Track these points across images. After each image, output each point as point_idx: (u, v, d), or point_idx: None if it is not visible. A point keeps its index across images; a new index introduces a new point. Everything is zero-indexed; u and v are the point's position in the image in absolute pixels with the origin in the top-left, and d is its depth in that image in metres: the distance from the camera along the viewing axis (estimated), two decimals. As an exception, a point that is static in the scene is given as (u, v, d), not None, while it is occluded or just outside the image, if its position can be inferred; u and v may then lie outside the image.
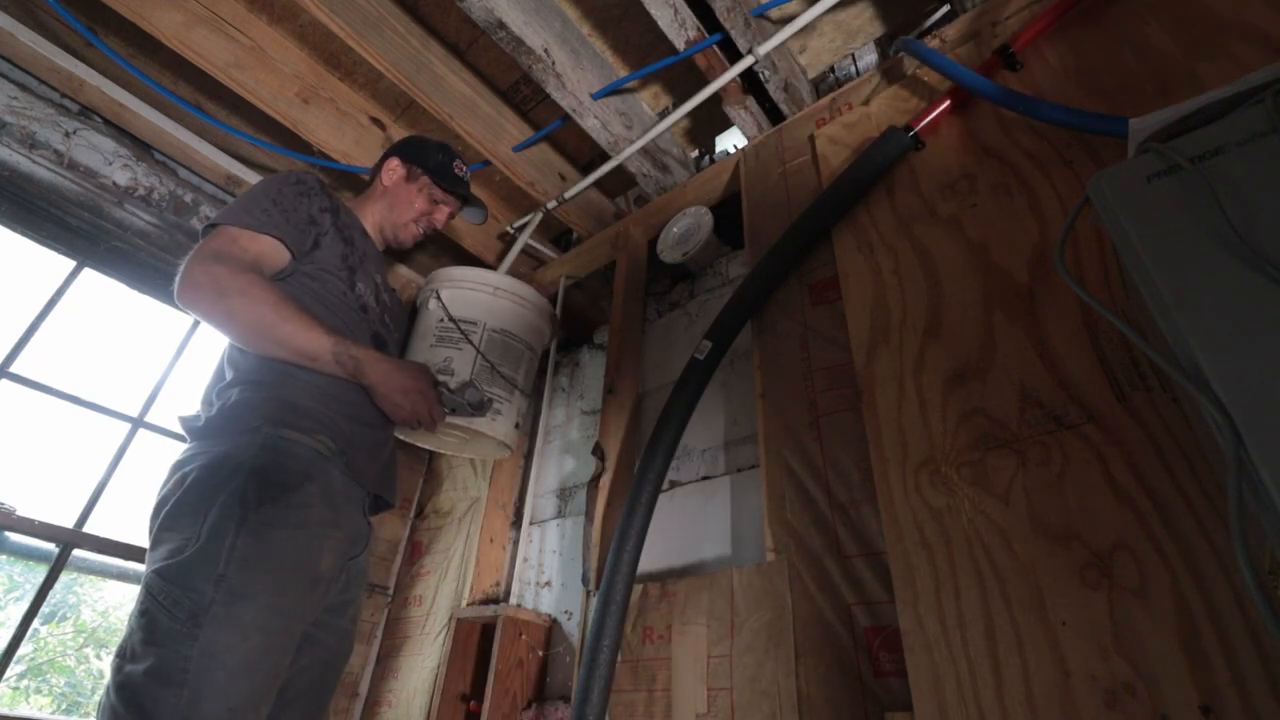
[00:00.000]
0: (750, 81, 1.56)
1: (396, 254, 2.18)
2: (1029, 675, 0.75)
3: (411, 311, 1.58)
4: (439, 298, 1.48)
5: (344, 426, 1.07)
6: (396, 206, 1.40)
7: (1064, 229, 0.81)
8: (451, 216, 1.51)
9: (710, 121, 1.81)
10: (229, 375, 1.08)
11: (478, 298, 1.51)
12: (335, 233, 1.22)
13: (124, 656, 0.85)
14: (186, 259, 1.04)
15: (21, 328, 1.74)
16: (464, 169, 1.50)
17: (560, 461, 1.83)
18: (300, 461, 0.98)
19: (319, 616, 1.04)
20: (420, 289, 1.61)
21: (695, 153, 1.91)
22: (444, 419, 1.27)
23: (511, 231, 2.05)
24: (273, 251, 1.09)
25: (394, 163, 1.42)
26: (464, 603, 1.62)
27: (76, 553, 1.66)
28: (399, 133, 1.90)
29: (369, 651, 1.86)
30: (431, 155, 1.45)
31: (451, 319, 1.45)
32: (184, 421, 1.07)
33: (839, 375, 1.16)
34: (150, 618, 0.85)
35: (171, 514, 0.92)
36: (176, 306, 1.09)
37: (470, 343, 1.43)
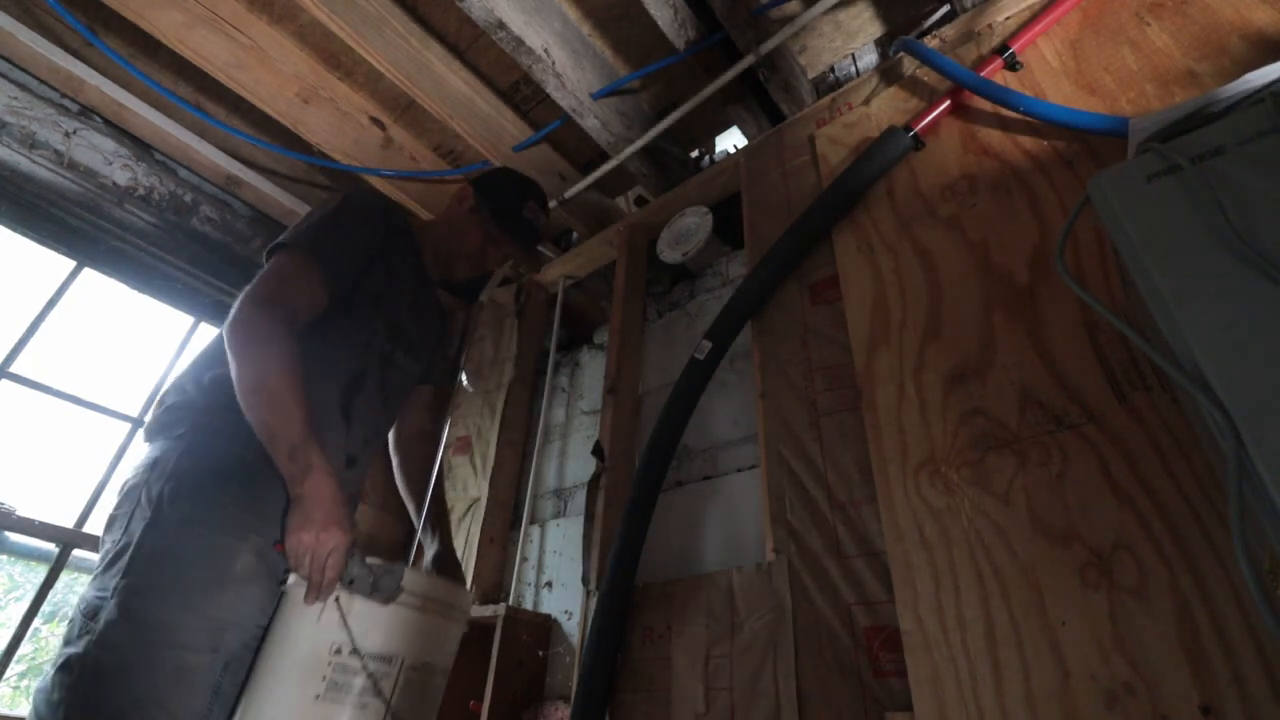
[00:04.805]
0: (750, 81, 1.56)
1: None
2: (1029, 675, 0.75)
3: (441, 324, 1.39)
4: (338, 603, 0.91)
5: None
6: (453, 237, 1.33)
7: (1064, 229, 0.81)
8: (508, 259, 1.42)
9: (710, 121, 1.81)
10: (182, 374, 1.08)
11: (399, 615, 0.96)
12: (381, 262, 1.17)
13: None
14: (247, 289, 1.00)
15: (21, 328, 1.74)
16: (536, 211, 1.38)
17: (560, 461, 1.83)
18: (222, 465, 0.97)
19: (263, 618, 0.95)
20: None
21: (695, 153, 1.91)
22: (330, 593, 0.92)
23: (511, 231, 2.05)
24: (318, 291, 1.06)
25: (466, 190, 1.35)
26: (464, 603, 1.62)
27: (76, 552, 1.66)
28: (399, 133, 1.90)
29: (369, 651, 1.86)
30: (503, 189, 1.36)
31: (357, 650, 0.91)
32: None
33: (839, 375, 1.16)
34: (70, 623, 0.88)
35: (109, 520, 0.96)
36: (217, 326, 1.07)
37: (381, 698, 0.92)
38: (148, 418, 1.07)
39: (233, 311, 0.99)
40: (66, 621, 0.95)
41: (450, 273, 1.35)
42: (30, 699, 0.88)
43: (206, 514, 0.92)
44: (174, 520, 0.91)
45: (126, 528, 0.92)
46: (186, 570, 0.90)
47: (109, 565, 0.90)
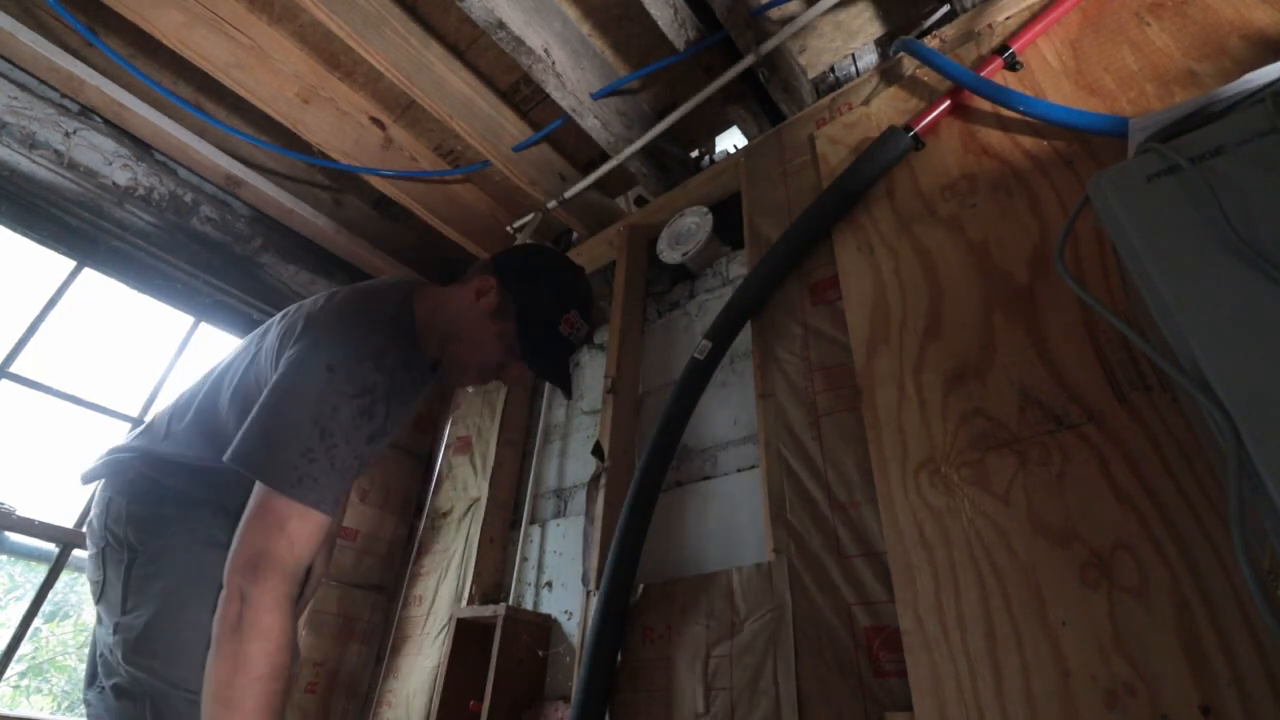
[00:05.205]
0: (750, 81, 1.56)
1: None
2: (1029, 675, 0.75)
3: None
4: None
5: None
6: (464, 345, 1.03)
7: (1064, 229, 0.81)
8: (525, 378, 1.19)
9: (710, 121, 1.81)
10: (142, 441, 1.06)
11: None
12: (382, 407, 0.94)
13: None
14: (256, 527, 0.81)
15: (21, 328, 1.74)
16: (578, 324, 1.06)
17: (560, 461, 1.83)
18: (165, 503, 1.00)
19: None
20: None
21: (695, 153, 1.91)
22: None
23: (511, 231, 2.05)
24: (312, 528, 0.84)
25: (488, 283, 1.03)
26: (464, 602, 1.62)
27: (76, 552, 1.66)
28: (399, 132, 1.90)
29: (369, 651, 1.86)
30: (539, 296, 1.04)
31: None
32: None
33: (839, 375, 1.16)
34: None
35: (88, 556, 1.00)
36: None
37: None
38: (105, 452, 1.07)
39: (228, 565, 0.81)
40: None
41: (452, 378, 1.09)
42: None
43: (180, 544, 0.97)
44: (151, 554, 0.96)
45: (104, 567, 0.96)
46: (178, 592, 0.95)
47: (102, 599, 0.96)
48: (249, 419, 0.86)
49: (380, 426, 0.94)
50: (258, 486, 0.83)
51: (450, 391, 2.19)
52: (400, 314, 1.00)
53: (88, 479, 1.05)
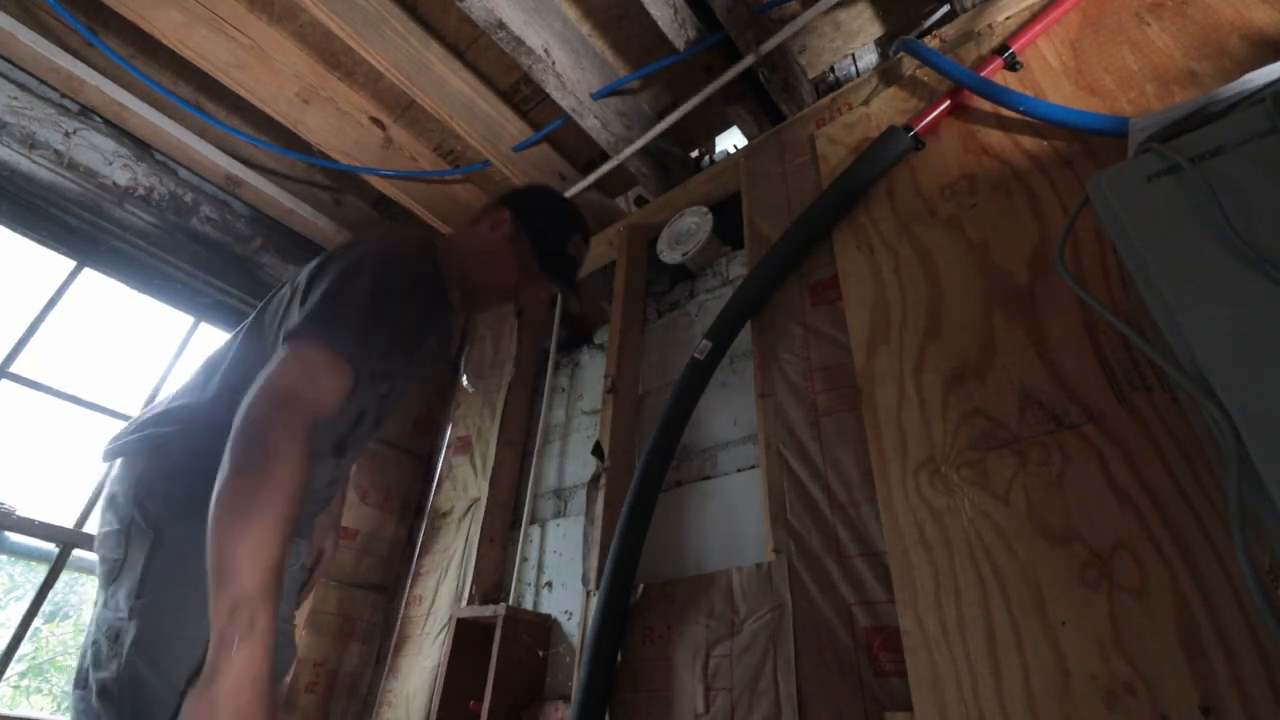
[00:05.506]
0: (750, 81, 1.56)
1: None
2: (1029, 675, 0.75)
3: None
4: None
5: None
6: (484, 271, 1.17)
7: (1064, 229, 0.81)
8: (540, 295, 1.32)
9: (710, 121, 1.81)
10: (174, 403, 1.05)
11: None
12: (411, 340, 1.02)
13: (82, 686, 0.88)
14: (271, 375, 0.83)
15: (21, 328, 1.74)
16: (581, 248, 1.25)
17: (560, 461, 1.83)
18: (209, 479, 0.97)
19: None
20: None
21: (695, 153, 1.91)
22: None
23: (511, 231, 2.05)
24: (344, 393, 0.88)
25: (503, 216, 1.18)
26: (464, 602, 1.62)
27: (76, 552, 1.66)
28: (399, 133, 1.90)
29: (369, 651, 1.86)
30: (549, 221, 1.21)
31: None
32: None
33: (839, 375, 1.16)
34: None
35: (102, 537, 0.95)
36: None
37: None
38: (124, 431, 1.04)
39: (249, 400, 0.82)
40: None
41: (475, 305, 1.23)
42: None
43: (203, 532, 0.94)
44: (178, 540, 0.90)
45: (126, 546, 0.91)
46: (197, 589, 0.91)
47: (116, 582, 0.90)
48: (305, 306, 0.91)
49: (414, 339, 1.01)
50: (291, 342, 0.86)
51: (450, 391, 2.19)
52: (424, 269, 1.06)
53: (114, 455, 1.02)
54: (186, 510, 0.93)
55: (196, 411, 1.01)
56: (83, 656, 0.94)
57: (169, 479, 0.95)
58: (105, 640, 0.88)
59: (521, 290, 1.20)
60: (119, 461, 1.02)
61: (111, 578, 0.92)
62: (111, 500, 0.97)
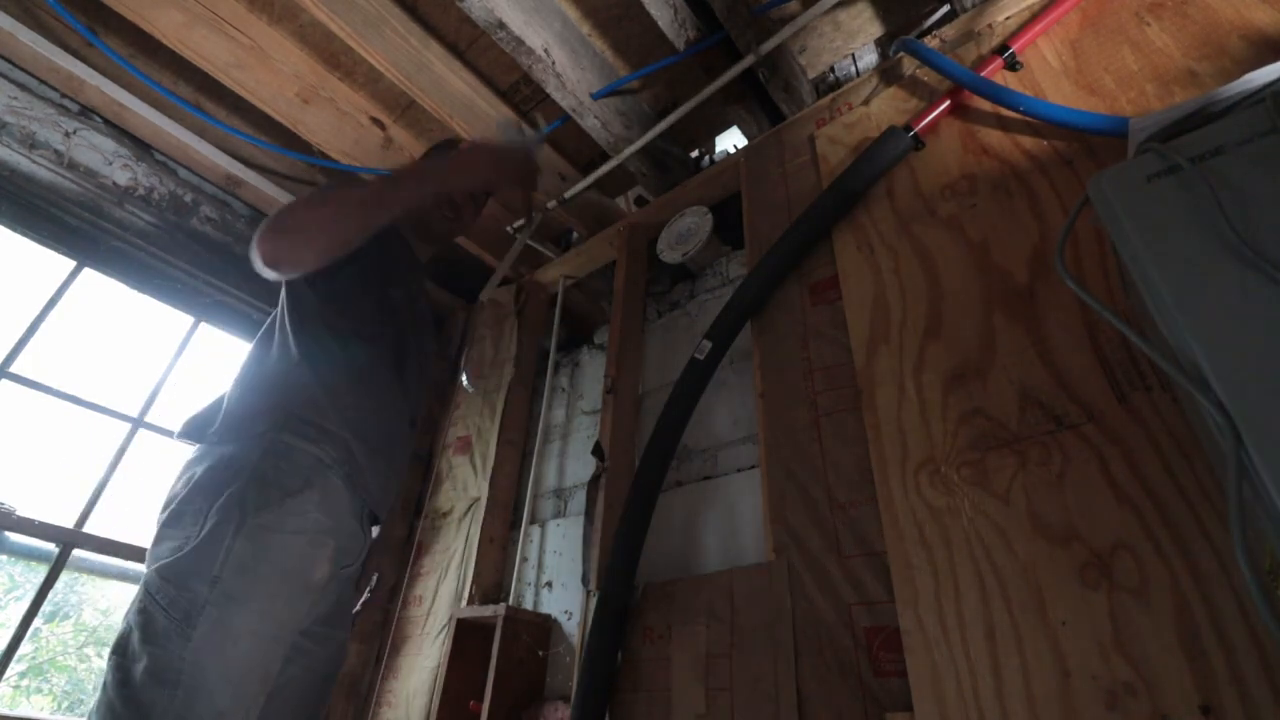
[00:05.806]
0: (750, 81, 1.56)
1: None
2: (1029, 675, 0.75)
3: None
4: None
5: (351, 443, 1.06)
6: (431, 205, 1.37)
7: (1064, 229, 0.81)
8: (483, 203, 1.51)
9: (710, 121, 1.81)
10: (240, 379, 1.09)
11: None
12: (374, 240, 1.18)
13: (122, 654, 0.85)
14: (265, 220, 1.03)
15: (21, 328, 1.74)
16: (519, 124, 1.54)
17: (560, 461, 1.83)
18: (301, 468, 0.98)
19: (310, 626, 1.03)
20: None
21: (695, 153, 1.91)
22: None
23: (511, 231, 2.05)
24: (321, 220, 1.10)
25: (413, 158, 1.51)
26: (464, 602, 1.62)
27: (77, 552, 1.66)
28: (399, 133, 1.90)
29: (369, 651, 1.86)
30: (438, 147, 1.48)
31: None
32: (195, 421, 1.07)
33: (839, 375, 1.16)
34: (148, 616, 0.86)
35: (175, 512, 0.94)
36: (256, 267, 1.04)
37: None
38: (193, 418, 1.08)
39: (259, 232, 1.00)
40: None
41: (428, 235, 1.39)
42: (97, 695, 0.86)
43: (292, 521, 0.94)
44: (261, 525, 0.91)
45: (203, 526, 0.90)
46: (277, 577, 0.91)
47: (186, 559, 0.88)
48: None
49: (374, 246, 1.15)
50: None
51: (450, 391, 2.19)
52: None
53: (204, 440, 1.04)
54: (268, 498, 0.94)
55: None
56: (127, 627, 0.90)
57: (261, 459, 0.98)
58: (166, 616, 0.85)
59: (463, 202, 1.38)
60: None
61: (185, 550, 0.89)
62: (192, 480, 0.97)
